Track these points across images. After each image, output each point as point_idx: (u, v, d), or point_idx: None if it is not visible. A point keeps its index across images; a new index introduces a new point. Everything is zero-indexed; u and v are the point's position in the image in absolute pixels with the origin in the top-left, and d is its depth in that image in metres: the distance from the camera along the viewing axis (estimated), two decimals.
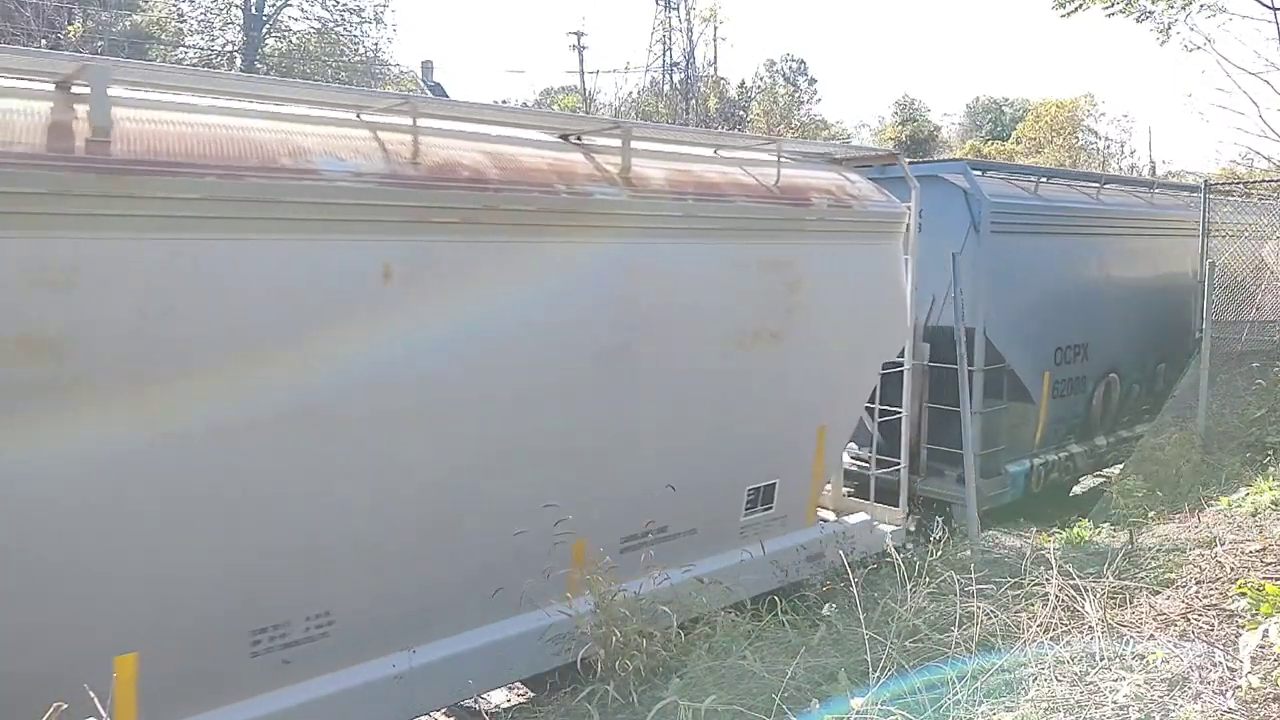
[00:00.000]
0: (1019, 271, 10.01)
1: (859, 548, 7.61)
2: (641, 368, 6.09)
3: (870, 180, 8.05)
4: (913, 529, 8.88)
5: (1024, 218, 10.24)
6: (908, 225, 8.00)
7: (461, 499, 5.43)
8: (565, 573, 5.63)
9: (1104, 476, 12.23)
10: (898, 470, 8.60)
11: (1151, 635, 4.75)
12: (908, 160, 9.42)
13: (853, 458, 9.60)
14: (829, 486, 8.53)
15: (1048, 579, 5.16)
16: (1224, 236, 11.57)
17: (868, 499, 8.69)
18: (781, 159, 7.16)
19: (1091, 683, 4.16)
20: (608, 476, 6.11)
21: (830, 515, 8.36)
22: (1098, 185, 12.00)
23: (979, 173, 10.43)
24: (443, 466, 5.27)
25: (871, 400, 8.39)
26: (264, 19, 35.35)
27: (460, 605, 5.58)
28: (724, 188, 6.59)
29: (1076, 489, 12.14)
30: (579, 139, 6.29)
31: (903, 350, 8.32)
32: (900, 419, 8.62)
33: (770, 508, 7.34)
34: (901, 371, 8.63)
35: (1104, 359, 11.42)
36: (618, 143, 6.12)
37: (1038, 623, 4.88)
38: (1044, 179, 11.45)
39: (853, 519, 8.28)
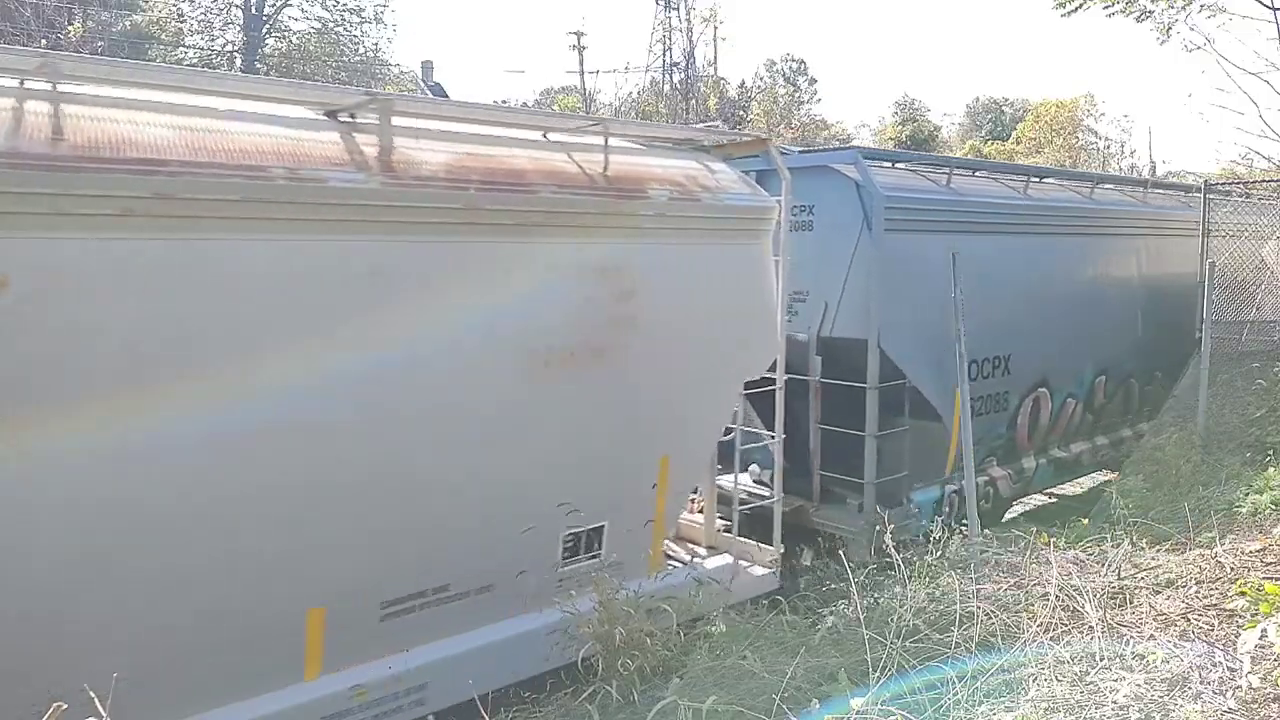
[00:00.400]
0: (923, 275, 8.74)
1: (720, 595, 6.57)
2: (399, 396, 5.12)
3: (741, 171, 7.25)
4: (809, 563, 8.35)
5: (929, 214, 9.03)
6: (778, 222, 7.05)
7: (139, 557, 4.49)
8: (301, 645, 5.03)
9: (1053, 496, 11.95)
10: (787, 501, 7.91)
11: (1151, 635, 4.75)
12: (799, 149, 8.92)
13: (755, 481, 8.88)
14: (700, 521, 7.80)
15: (1048, 579, 5.16)
16: (1225, 236, 11.55)
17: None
18: (612, 142, 6.16)
19: (1091, 683, 4.16)
20: (355, 530, 5.14)
21: (700, 553, 7.58)
22: (1025, 179, 10.74)
23: (876, 163, 9.29)
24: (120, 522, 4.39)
25: (770, 421, 7.68)
26: (264, 19, 35.35)
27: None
28: (529, 176, 5.58)
29: (1009, 515, 10.86)
30: (352, 117, 5.30)
31: (773, 365, 7.33)
32: (800, 441, 7.98)
33: (597, 554, 6.30)
34: (821, 388, 8.08)
35: (1030, 372, 10.20)
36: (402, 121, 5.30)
37: (1038, 623, 4.88)
38: (960, 171, 10.25)
39: (712, 561, 7.35)
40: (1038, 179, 11.22)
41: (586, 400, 5.95)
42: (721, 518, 8.06)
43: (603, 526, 6.29)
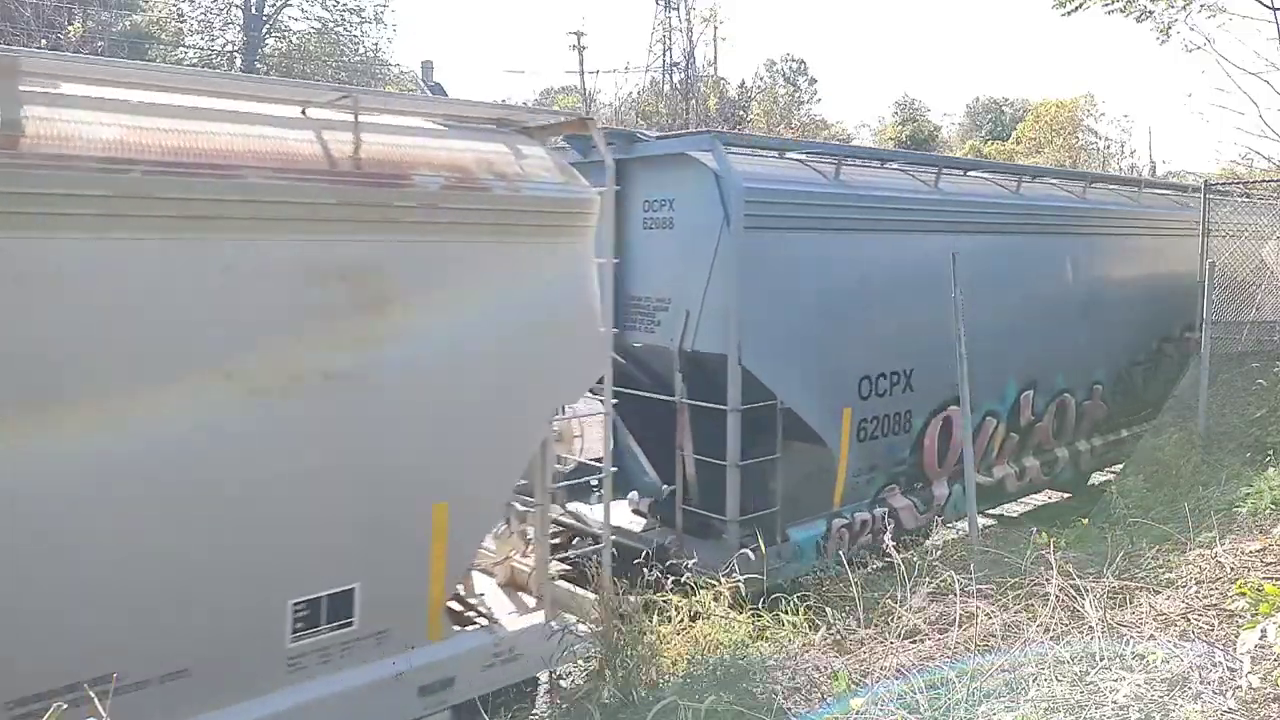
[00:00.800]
0: (798, 280, 7.67)
1: (529, 661, 5.79)
2: (24, 433, 4.07)
3: (562, 158, 6.37)
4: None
5: (805, 209, 7.78)
6: (602, 215, 6.14)
7: None
8: None
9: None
10: (646, 540, 7.32)
11: (1151, 635, 4.75)
12: (657, 135, 7.85)
13: (634, 510, 8.09)
14: (530, 566, 6.53)
15: (1048, 579, 5.16)
16: (1224, 236, 11.55)
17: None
18: (393, 121, 5.36)
19: (1091, 683, 4.16)
20: None
21: (528, 604, 6.40)
22: (936, 170, 9.45)
23: (741, 149, 8.06)
24: None
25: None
26: (264, 19, 35.35)
27: None
28: (233, 158, 4.56)
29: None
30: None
31: (601, 381, 6.31)
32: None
33: (349, 623, 5.15)
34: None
35: (940, 388, 8.90)
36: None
37: (1038, 623, 4.88)
38: (855, 161, 8.96)
39: (516, 624, 6.04)
40: (958, 171, 10.25)
41: (316, 437, 4.89)
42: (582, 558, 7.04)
43: (352, 590, 5.14)
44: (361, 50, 36.74)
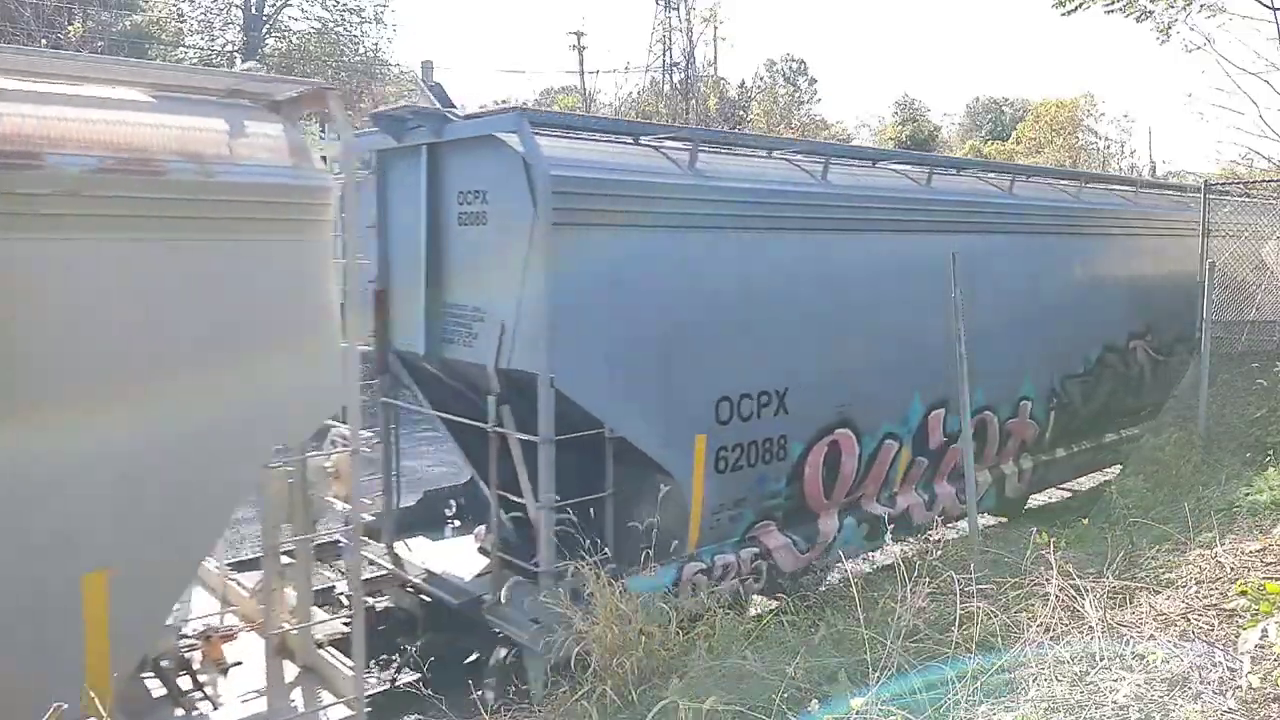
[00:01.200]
0: (634, 286, 6.54)
1: None
2: None
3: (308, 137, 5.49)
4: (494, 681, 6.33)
5: (645, 203, 6.62)
6: (346, 207, 5.14)
7: None
8: None
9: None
10: (463, 592, 6.64)
11: (1151, 635, 4.75)
12: (464, 115, 6.66)
13: (479, 549, 7.25)
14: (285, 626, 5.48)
15: (1048, 579, 5.16)
16: (1225, 236, 11.55)
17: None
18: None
19: (1091, 683, 4.16)
20: None
21: (289, 674, 5.39)
22: (823, 160, 8.16)
23: (556, 131, 6.76)
24: None
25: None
26: (264, 19, 35.35)
27: None
28: None
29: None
30: None
31: (340, 418, 5.25)
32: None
33: None
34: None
35: (823, 410, 7.89)
36: None
37: (1038, 623, 4.89)
38: (715, 147, 7.77)
39: (238, 711, 5.11)
40: (859, 162, 9.11)
41: None
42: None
43: None
44: (361, 50, 36.73)
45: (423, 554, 7.79)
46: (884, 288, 8.34)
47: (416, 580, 7.32)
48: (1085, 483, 12.23)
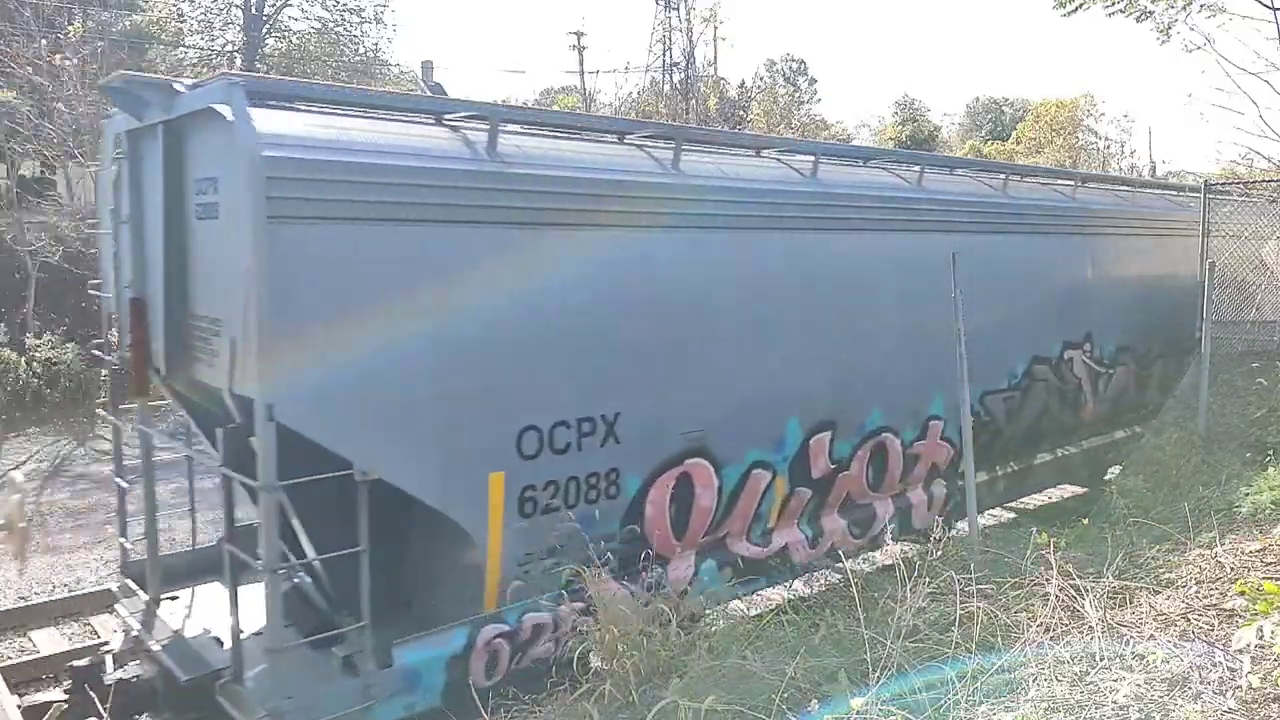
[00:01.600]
0: (392, 292, 5.32)
1: None
2: None
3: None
4: None
5: (410, 192, 5.39)
6: None
7: None
8: None
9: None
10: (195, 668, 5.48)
11: (1151, 635, 4.76)
12: (190, 85, 5.44)
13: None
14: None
15: (1048, 579, 5.16)
16: (1223, 235, 11.54)
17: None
18: None
19: (1091, 683, 4.16)
20: None
21: None
22: (675, 148, 6.91)
23: (303, 106, 5.48)
24: None
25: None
26: (264, 19, 35.33)
27: None
28: None
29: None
30: None
31: None
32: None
33: None
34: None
35: (667, 436, 6.63)
36: None
37: (1038, 623, 4.89)
38: (520, 127, 6.37)
39: None
40: (703, 147, 7.54)
41: None
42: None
43: None
44: (361, 50, 36.72)
45: (199, 608, 6.49)
46: (743, 294, 7.01)
47: (154, 645, 5.98)
48: (1084, 484, 12.19)
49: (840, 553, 6.81)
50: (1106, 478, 11.10)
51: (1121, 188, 12.91)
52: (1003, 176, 10.12)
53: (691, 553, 7.03)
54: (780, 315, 7.28)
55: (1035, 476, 10.65)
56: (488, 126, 5.93)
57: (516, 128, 6.36)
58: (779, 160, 7.98)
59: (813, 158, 7.95)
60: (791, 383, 7.43)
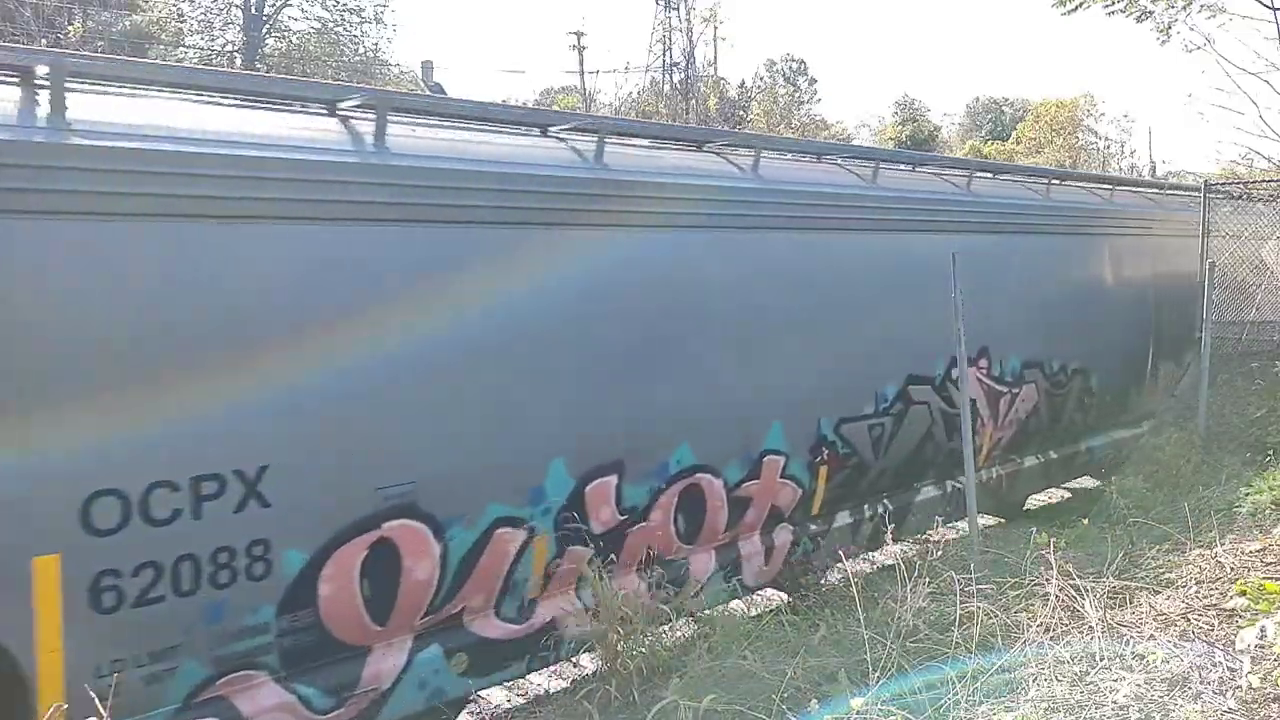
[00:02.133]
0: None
1: None
2: None
3: None
4: None
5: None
6: None
7: None
8: None
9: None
10: None
11: (1151, 635, 4.76)
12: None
13: None
14: None
15: (1048, 579, 5.17)
16: (1223, 237, 11.53)
17: None
18: None
19: (1091, 683, 4.16)
20: None
21: None
22: (540, 131, 6.28)
23: None
24: None
25: None
26: (264, 19, 35.34)
27: None
28: None
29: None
30: None
31: None
32: None
33: None
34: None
35: (348, 495, 5.03)
36: None
37: (1038, 623, 4.89)
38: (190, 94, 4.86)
39: None
40: (539, 129, 6.33)
41: None
42: None
43: None
44: (361, 50, 36.73)
45: None
46: (467, 306, 5.42)
47: None
48: (1085, 483, 12.13)
49: (840, 553, 6.56)
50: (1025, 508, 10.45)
51: (1040, 180, 10.84)
52: (872, 164, 8.44)
53: (406, 639, 5.39)
54: (521, 334, 5.65)
55: (928, 509, 8.60)
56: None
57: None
58: (637, 151, 6.70)
59: (595, 138, 6.30)
60: (549, 419, 5.80)
